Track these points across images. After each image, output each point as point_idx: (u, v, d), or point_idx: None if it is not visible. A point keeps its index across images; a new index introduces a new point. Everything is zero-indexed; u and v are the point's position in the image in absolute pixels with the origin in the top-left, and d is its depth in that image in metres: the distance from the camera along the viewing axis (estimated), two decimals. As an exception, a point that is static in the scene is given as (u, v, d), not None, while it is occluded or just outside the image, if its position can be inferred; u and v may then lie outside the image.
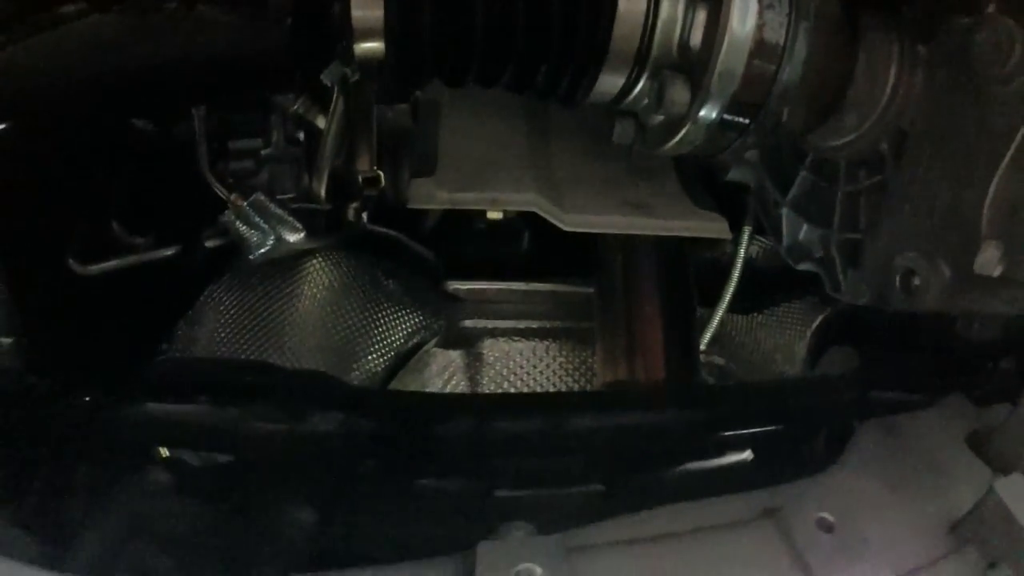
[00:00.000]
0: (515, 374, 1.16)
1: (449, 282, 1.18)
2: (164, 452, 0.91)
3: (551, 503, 0.89)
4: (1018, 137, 0.69)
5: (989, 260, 0.72)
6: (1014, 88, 0.69)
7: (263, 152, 1.08)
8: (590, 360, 1.16)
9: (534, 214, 1.04)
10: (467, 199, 1.06)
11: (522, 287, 1.19)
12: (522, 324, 1.19)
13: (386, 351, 1.16)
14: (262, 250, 1.05)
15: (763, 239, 1.23)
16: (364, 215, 1.09)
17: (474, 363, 1.16)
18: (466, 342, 1.18)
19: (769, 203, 1.03)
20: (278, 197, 1.06)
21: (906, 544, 0.70)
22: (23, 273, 0.87)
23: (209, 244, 1.06)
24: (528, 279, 1.19)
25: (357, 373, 1.13)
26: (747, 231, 1.15)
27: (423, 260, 1.19)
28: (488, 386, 1.16)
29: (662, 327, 1.10)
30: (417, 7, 0.77)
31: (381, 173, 0.97)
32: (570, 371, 1.17)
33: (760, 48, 0.75)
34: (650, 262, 1.14)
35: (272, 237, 1.05)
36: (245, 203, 1.02)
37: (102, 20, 0.74)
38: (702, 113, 0.79)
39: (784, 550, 0.66)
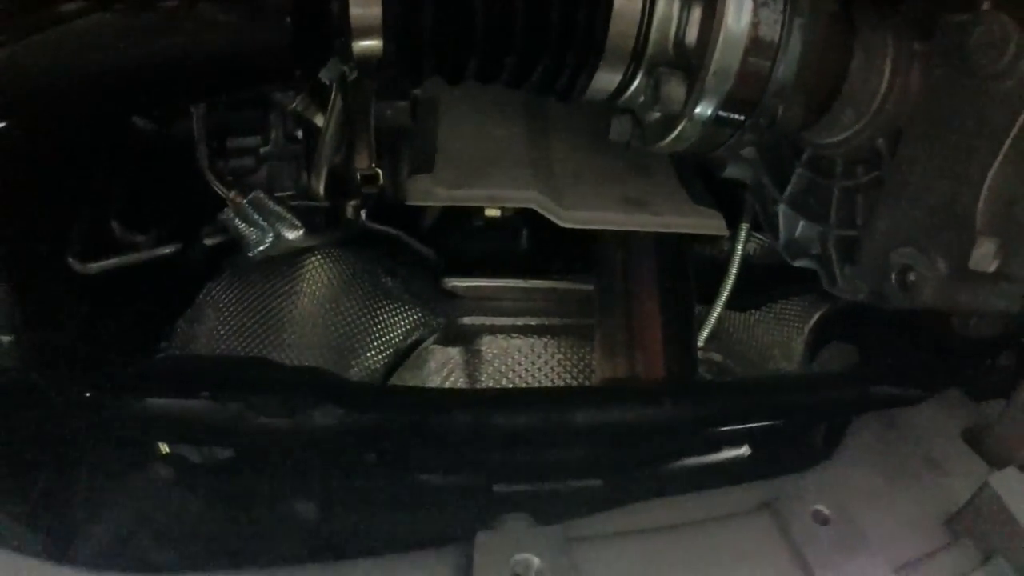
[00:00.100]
0: (514, 371, 1.16)
1: (448, 279, 1.18)
2: (165, 448, 0.92)
3: (549, 497, 0.89)
4: (1014, 133, 0.70)
5: (984, 255, 0.72)
6: (1010, 84, 0.70)
7: (262, 150, 1.08)
8: (589, 357, 1.16)
9: (533, 211, 1.04)
10: (466, 196, 1.05)
11: (521, 284, 1.19)
12: (521, 321, 1.19)
13: (385, 348, 1.16)
14: (261, 248, 1.06)
15: (760, 236, 1.23)
16: (363, 212, 1.09)
17: (473, 360, 1.16)
18: (465, 339, 1.18)
19: (766, 200, 1.03)
20: (277, 195, 1.07)
21: (902, 537, 0.70)
22: (23, 271, 0.87)
23: (208, 242, 1.07)
24: (527, 276, 1.19)
25: (356, 370, 1.13)
26: (744, 228, 1.15)
27: (422, 257, 1.19)
28: (487, 383, 1.15)
29: (661, 324, 1.09)
30: (416, 4, 0.77)
31: (380, 170, 0.98)
32: (569, 368, 1.17)
33: (755, 45, 0.75)
34: (649, 259, 1.14)
35: (271, 235, 1.05)
36: (244, 201, 1.02)
37: (102, 18, 0.74)
38: (698, 110, 0.79)
39: (781, 542, 0.67)
